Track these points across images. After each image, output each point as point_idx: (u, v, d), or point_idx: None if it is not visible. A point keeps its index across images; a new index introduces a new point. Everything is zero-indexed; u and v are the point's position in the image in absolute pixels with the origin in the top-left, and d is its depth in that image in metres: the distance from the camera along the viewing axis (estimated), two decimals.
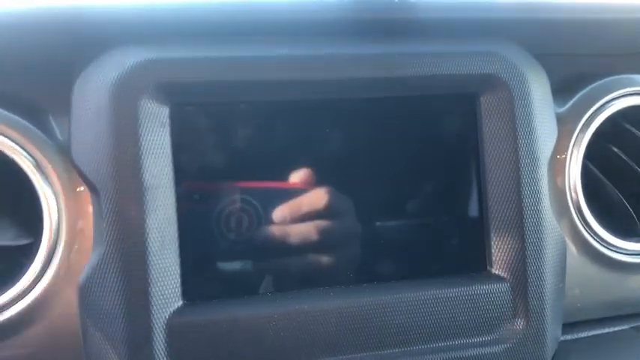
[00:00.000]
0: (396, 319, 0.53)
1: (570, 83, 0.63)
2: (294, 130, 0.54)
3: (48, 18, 0.50)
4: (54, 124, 0.52)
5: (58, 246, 0.49)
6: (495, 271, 0.56)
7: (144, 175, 0.48)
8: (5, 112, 0.49)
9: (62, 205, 0.50)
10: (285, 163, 0.53)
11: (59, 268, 0.49)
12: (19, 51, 0.52)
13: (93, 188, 0.48)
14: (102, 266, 0.48)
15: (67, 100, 0.50)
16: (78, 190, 0.51)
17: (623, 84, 0.61)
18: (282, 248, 0.53)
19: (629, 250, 0.61)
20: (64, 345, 0.51)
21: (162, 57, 0.49)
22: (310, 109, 0.54)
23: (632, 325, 0.63)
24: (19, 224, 0.51)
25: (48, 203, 0.49)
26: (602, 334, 0.62)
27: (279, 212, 0.52)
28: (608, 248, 0.61)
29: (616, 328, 0.63)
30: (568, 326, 0.60)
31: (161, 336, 0.48)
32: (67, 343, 0.50)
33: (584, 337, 0.62)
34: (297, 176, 0.53)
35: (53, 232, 0.49)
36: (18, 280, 0.49)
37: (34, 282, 0.49)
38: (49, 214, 0.49)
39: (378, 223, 0.55)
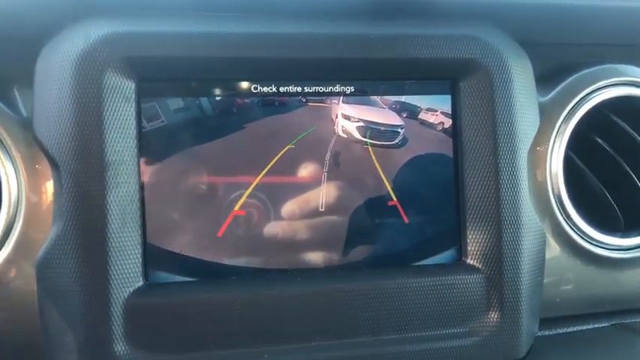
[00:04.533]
0: (367, 307, 0.51)
1: (554, 72, 0.61)
2: (261, 112, 0.52)
3: None
4: (18, 99, 0.51)
5: (16, 221, 0.48)
6: (470, 261, 0.54)
7: (106, 151, 0.47)
8: None
9: (22, 181, 0.49)
10: (250, 145, 0.52)
11: (17, 243, 0.48)
12: None
13: (54, 163, 0.47)
14: (60, 242, 0.47)
15: (32, 74, 0.49)
16: (38, 166, 0.49)
17: (609, 74, 0.59)
18: (249, 232, 0.52)
19: (611, 245, 0.59)
20: (22, 321, 0.49)
21: (128, 30, 0.48)
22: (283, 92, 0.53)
23: (613, 323, 0.61)
24: None
25: (8, 178, 0.48)
26: (582, 330, 0.61)
27: (244, 195, 0.51)
28: (590, 242, 0.59)
29: (596, 325, 0.61)
30: (546, 321, 0.58)
31: (119, 316, 0.47)
32: (25, 319, 0.49)
33: (563, 333, 0.60)
34: (265, 162, 0.52)
35: (12, 206, 0.48)
36: None
37: None
38: (9, 188, 0.48)
39: (351, 209, 0.54)
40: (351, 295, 0.51)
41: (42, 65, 0.48)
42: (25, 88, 0.50)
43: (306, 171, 0.53)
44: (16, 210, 0.48)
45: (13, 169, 0.48)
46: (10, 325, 0.50)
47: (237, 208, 0.52)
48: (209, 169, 0.51)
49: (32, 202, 0.49)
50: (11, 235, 0.48)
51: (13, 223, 0.48)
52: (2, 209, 0.48)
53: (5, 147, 0.48)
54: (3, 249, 0.48)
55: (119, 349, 0.47)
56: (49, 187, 0.49)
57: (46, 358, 0.49)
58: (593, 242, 0.59)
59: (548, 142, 0.58)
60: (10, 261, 0.48)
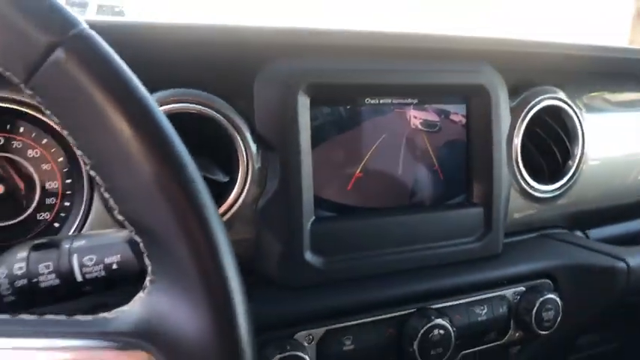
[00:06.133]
0: (423, 227, 0.90)
1: (514, 89, 1.02)
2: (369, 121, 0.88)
3: (239, 34, 0.79)
4: (239, 104, 0.80)
5: (247, 183, 0.79)
6: (475, 200, 0.96)
7: (301, 141, 0.79)
8: (221, 100, 0.77)
9: (250, 155, 0.79)
10: (364, 134, 0.87)
11: (246, 195, 0.79)
12: (222, 57, 0.80)
13: (269, 146, 0.79)
14: (275, 194, 0.79)
15: (247, 88, 0.79)
16: (258, 147, 0.80)
17: (543, 92, 1.03)
18: (364, 186, 0.88)
19: (540, 189, 1.04)
20: (239, 243, 0.81)
21: (310, 67, 0.80)
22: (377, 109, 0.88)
23: (539, 233, 1.09)
24: (218, 167, 0.79)
25: (244, 154, 0.78)
26: (523, 239, 1.07)
27: (361, 164, 0.87)
28: (530, 187, 1.03)
29: (529, 235, 1.08)
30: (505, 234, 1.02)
31: (307, 237, 0.81)
32: (241, 244, 0.81)
33: (513, 241, 1.05)
34: (372, 144, 0.88)
35: (244, 172, 0.79)
36: (223, 202, 0.78)
37: (232, 204, 0.78)
38: (244, 160, 0.79)
39: (415, 171, 0.92)
40: (414, 221, 0.90)
41: (259, 85, 0.79)
42: (243, 98, 0.80)
43: (392, 149, 0.90)
44: (247, 174, 0.79)
45: (244, 148, 0.79)
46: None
47: (357, 172, 0.87)
48: (342, 149, 0.86)
49: (255, 169, 0.80)
50: (245, 190, 0.79)
51: (245, 184, 0.79)
52: (240, 174, 0.78)
53: (240, 135, 0.78)
54: (240, 199, 0.79)
55: (307, 255, 0.81)
56: (265, 159, 0.81)
57: (258, 264, 0.82)
58: (532, 187, 1.03)
59: (513, 130, 1.01)
60: (243, 206, 0.79)
